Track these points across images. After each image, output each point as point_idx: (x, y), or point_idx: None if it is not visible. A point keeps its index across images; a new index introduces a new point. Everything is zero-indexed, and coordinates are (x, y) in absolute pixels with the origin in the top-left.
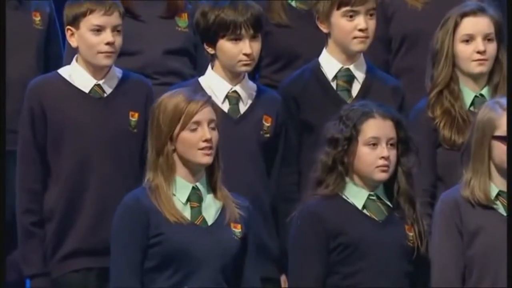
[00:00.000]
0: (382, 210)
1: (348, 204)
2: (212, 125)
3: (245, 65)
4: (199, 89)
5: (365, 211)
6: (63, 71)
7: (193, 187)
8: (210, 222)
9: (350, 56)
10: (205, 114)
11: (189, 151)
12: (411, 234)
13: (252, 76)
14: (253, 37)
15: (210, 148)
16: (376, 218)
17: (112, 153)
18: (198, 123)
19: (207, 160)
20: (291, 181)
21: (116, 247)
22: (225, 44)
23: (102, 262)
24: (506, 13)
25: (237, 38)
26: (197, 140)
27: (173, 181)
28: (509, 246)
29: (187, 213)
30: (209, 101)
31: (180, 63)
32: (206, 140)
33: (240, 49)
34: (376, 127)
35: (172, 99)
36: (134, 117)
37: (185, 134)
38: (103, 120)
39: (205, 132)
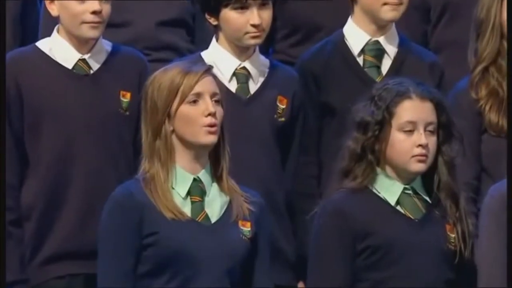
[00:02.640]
0: (419, 206)
1: (379, 199)
2: (216, 98)
3: (254, 37)
4: None
5: (399, 207)
6: (42, 44)
7: (194, 179)
8: (214, 220)
9: (380, 26)
10: (207, 85)
11: (190, 129)
12: (453, 235)
13: (265, 50)
14: (262, 5)
15: (214, 125)
16: (411, 216)
17: (100, 140)
18: (198, 95)
19: (211, 139)
20: (310, 173)
21: (104, 250)
22: (229, 14)
23: (89, 267)
24: (506, 13)
25: (243, 7)
26: (198, 114)
27: (172, 171)
28: (509, 245)
29: (187, 209)
30: (209, 71)
31: (176, 36)
32: (209, 114)
33: (247, 19)
34: (413, 110)
35: (166, 73)
36: (125, 98)
37: (185, 108)
38: (89, 101)
39: (208, 105)
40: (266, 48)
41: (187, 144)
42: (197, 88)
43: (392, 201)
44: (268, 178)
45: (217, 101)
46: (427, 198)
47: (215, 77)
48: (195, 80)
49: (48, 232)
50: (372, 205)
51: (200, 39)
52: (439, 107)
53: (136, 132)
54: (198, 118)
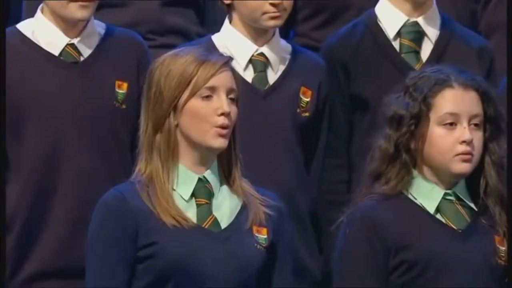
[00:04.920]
0: (463, 215)
1: (415, 206)
2: (232, 96)
3: (273, 18)
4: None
5: (439, 216)
6: (24, 27)
7: (199, 179)
8: (224, 225)
9: (418, 4)
10: (224, 79)
11: (197, 127)
12: (502, 248)
13: (285, 33)
14: None
15: (227, 127)
16: (454, 227)
17: (92, 138)
18: (213, 89)
19: (220, 143)
20: (339, 177)
21: (92, 263)
22: None
23: (79, 287)
24: (506, 13)
25: None
26: (210, 112)
27: (174, 170)
28: (509, 246)
29: (191, 213)
30: (228, 63)
31: (184, 17)
32: (222, 114)
33: None
34: (455, 100)
35: (178, 58)
36: (122, 89)
37: (195, 103)
38: (79, 93)
39: (222, 103)
40: (286, 30)
41: (192, 144)
42: (213, 82)
43: (431, 208)
44: (289, 183)
45: (232, 99)
46: (472, 205)
47: (234, 70)
48: (212, 72)
49: (32, 245)
50: (407, 214)
51: (211, 21)
52: (485, 98)
53: (135, 129)
54: (209, 117)
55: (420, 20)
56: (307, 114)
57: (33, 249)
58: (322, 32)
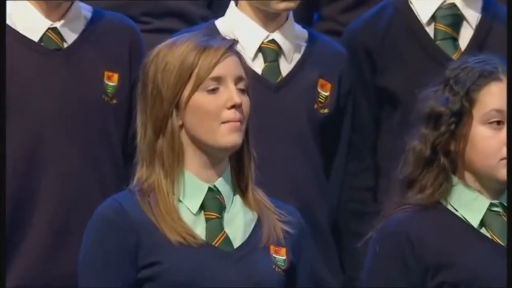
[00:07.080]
0: None
1: (456, 219)
2: (241, 85)
3: (285, 0)
4: None
5: (483, 230)
6: None
7: (209, 188)
8: (237, 244)
9: None
10: (230, 66)
11: (205, 125)
12: None
13: (308, 17)
14: None
15: (239, 121)
16: (502, 242)
17: (77, 136)
18: (219, 80)
19: (234, 140)
20: (364, 184)
21: (86, 286)
22: None
23: None
24: (506, 13)
25: None
26: (218, 106)
27: (180, 179)
28: (509, 247)
29: (200, 229)
30: (233, 47)
31: None
32: (233, 106)
33: None
34: (503, 95)
35: (175, 48)
36: (111, 80)
37: (199, 98)
38: (62, 85)
39: (232, 93)
40: (309, 13)
41: (201, 145)
42: (217, 71)
43: (474, 221)
44: (305, 189)
45: (242, 90)
46: None
47: (240, 56)
48: (215, 60)
49: (9, 258)
50: (447, 227)
51: (218, 4)
52: None
53: (127, 126)
54: (218, 112)
55: (458, 1)
56: (326, 110)
57: (11, 263)
58: (350, 15)
